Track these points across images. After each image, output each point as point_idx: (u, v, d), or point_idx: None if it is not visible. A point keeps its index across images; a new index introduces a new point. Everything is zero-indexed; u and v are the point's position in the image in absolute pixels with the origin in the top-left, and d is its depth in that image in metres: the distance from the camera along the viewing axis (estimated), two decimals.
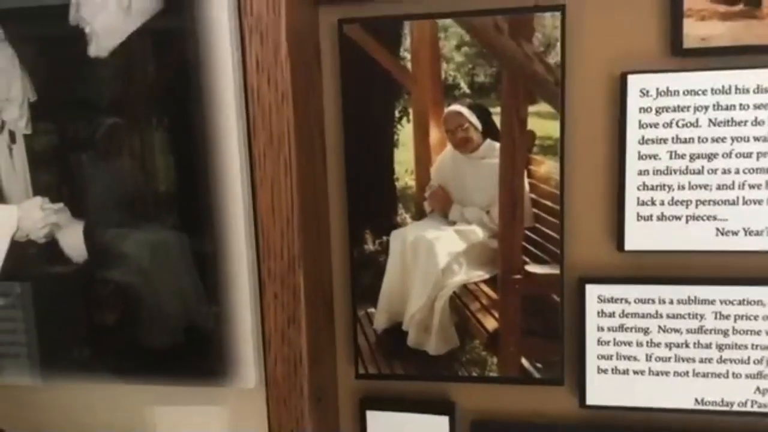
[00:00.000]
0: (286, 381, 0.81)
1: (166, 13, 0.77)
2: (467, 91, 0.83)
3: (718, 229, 0.81)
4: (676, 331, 0.84)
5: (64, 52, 0.81)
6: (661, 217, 0.81)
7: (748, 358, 0.83)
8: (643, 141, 0.80)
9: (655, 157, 0.80)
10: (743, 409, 0.84)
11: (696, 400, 0.85)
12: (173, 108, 0.81)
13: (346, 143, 0.87)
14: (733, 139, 0.79)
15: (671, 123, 0.79)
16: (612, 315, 0.85)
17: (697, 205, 0.81)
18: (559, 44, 0.80)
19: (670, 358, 0.84)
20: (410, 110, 0.85)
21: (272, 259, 0.79)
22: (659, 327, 0.84)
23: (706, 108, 0.79)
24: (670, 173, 0.80)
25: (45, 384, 0.92)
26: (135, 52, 0.79)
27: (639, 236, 0.82)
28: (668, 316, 0.83)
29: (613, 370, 0.86)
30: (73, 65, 0.81)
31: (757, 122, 0.78)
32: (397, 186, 0.87)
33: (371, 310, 0.90)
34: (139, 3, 0.77)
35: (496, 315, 0.87)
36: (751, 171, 0.79)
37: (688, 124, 0.79)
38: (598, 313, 0.85)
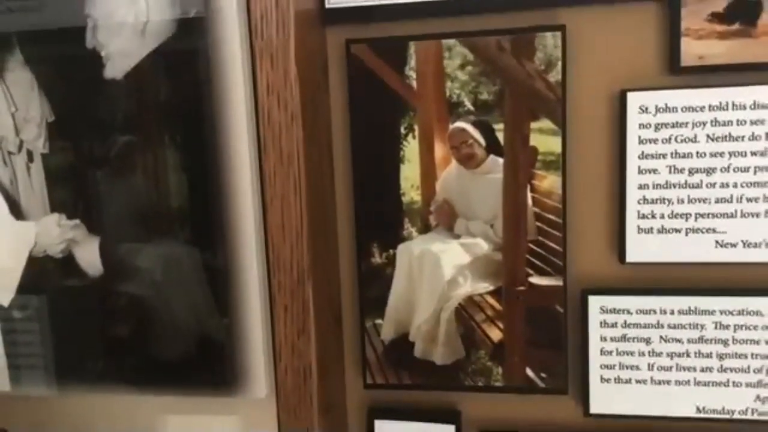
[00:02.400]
0: (296, 391, 0.83)
1: (180, 37, 0.79)
2: (471, 108, 0.85)
3: (717, 242, 0.82)
4: (677, 341, 0.85)
5: (80, 74, 0.83)
6: (662, 230, 0.83)
7: (748, 367, 0.84)
8: (643, 156, 0.82)
9: (654, 171, 0.82)
10: (744, 416, 0.85)
11: (697, 408, 0.86)
12: (186, 127, 0.83)
13: (353, 160, 0.89)
14: (730, 154, 0.80)
15: (670, 138, 0.81)
16: (614, 325, 0.86)
17: (696, 218, 0.82)
18: (560, 63, 0.82)
19: (671, 367, 0.86)
20: (416, 127, 0.87)
21: (282, 273, 0.80)
22: (660, 337, 0.85)
23: (704, 124, 0.80)
24: (670, 187, 0.82)
25: (60, 394, 0.93)
26: (149, 74, 0.81)
27: (640, 248, 0.84)
28: (669, 327, 0.85)
29: (615, 379, 0.87)
30: (90, 87, 0.82)
31: (753, 137, 0.80)
32: (404, 201, 0.89)
33: (378, 321, 0.92)
34: (154, 27, 0.79)
35: (501, 326, 0.89)
36: (749, 185, 0.81)
37: (687, 140, 0.81)
38: (601, 323, 0.86)
